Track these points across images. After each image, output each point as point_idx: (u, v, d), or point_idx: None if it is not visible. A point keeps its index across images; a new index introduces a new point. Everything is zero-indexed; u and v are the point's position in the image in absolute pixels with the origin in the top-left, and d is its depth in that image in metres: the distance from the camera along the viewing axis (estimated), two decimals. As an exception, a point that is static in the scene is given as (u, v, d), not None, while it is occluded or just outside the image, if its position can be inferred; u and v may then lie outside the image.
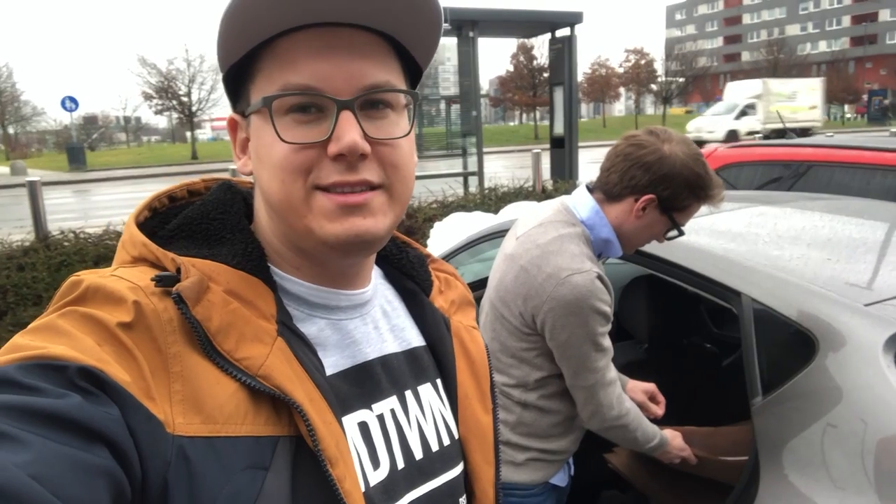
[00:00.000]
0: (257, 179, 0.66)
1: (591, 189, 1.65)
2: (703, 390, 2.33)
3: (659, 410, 1.85)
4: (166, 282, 0.58)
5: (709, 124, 29.15)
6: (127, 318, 0.54)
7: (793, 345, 1.39)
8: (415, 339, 0.77)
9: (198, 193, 0.73)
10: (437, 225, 6.05)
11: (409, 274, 0.81)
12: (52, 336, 0.52)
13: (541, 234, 1.59)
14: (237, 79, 0.66)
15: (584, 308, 1.48)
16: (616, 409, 1.57)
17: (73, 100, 28.21)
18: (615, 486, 2.32)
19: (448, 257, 2.84)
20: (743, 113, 29.09)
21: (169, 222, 0.68)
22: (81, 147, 32.53)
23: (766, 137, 28.06)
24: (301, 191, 0.61)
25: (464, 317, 0.84)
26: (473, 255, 2.92)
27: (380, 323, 0.74)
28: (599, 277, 1.52)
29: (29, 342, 0.51)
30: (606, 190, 1.60)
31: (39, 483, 0.42)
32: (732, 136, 26.64)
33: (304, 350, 0.63)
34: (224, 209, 0.68)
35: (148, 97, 36.52)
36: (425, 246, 5.89)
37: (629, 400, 1.63)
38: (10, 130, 53.18)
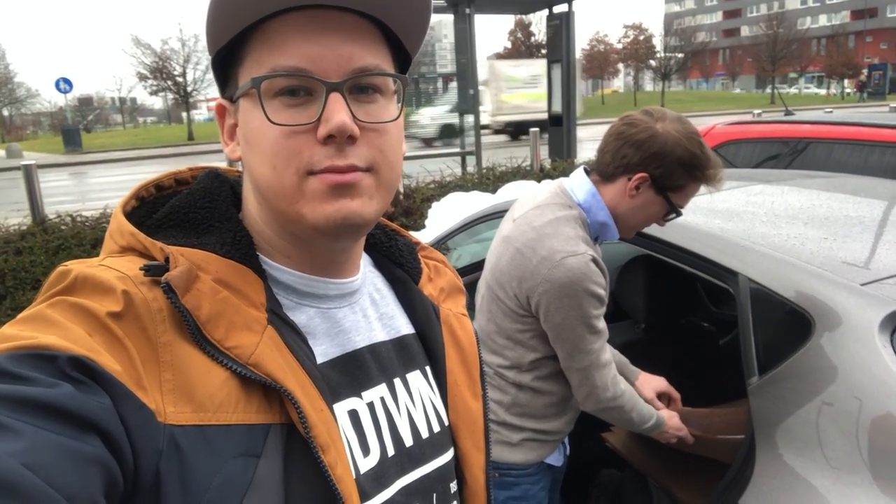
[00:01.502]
0: (246, 165, 0.66)
1: (588, 171, 1.65)
2: (701, 369, 2.34)
3: (667, 411, 1.79)
4: (155, 271, 0.57)
5: (422, 118, 23.15)
6: (116, 308, 0.54)
7: (789, 325, 1.40)
8: (404, 326, 0.77)
9: (185, 182, 0.73)
10: (434, 205, 6.04)
11: (397, 262, 0.81)
12: (43, 326, 0.52)
13: (537, 217, 1.59)
14: (226, 63, 0.66)
15: (578, 290, 1.49)
16: (611, 390, 1.58)
17: (67, 81, 27.99)
18: (613, 465, 2.34)
19: (446, 238, 2.84)
20: None
21: (156, 211, 0.68)
22: (77, 129, 32.37)
23: (499, 132, 22.84)
24: (294, 177, 0.61)
25: (453, 304, 0.84)
26: (471, 235, 2.91)
27: (368, 311, 0.74)
28: (594, 260, 1.52)
29: (19, 332, 0.51)
30: (601, 170, 1.59)
31: (32, 472, 0.42)
32: (450, 131, 19.12)
33: (294, 338, 0.63)
34: (211, 198, 0.67)
35: (143, 78, 36.23)
36: (423, 226, 5.88)
37: (624, 381, 1.64)
38: (5, 112, 52.84)
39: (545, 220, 1.57)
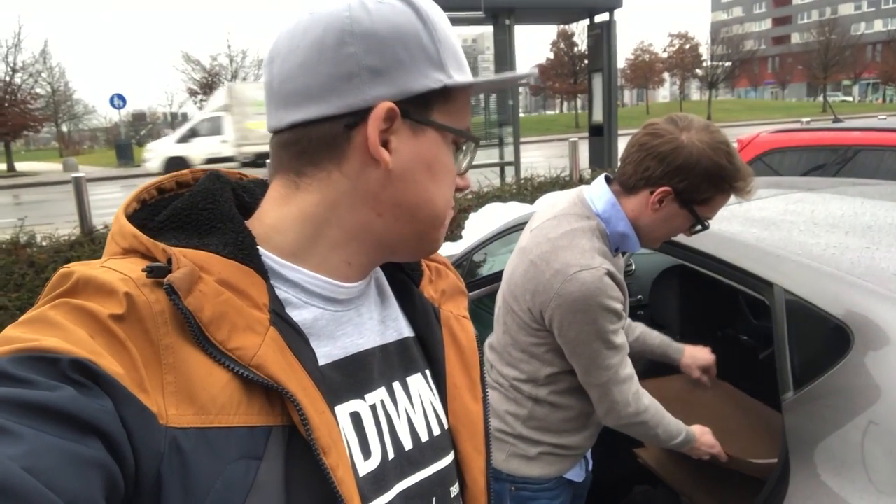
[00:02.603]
0: (406, 181, 0.67)
1: (610, 179, 1.60)
2: (737, 384, 2.26)
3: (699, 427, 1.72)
4: (157, 273, 0.57)
5: (153, 150, 22.48)
6: (119, 310, 0.54)
7: (827, 338, 1.33)
8: (405, 329, 0.77)
9: (186, 185, 0.73)
10: (472, 216, 6.04)
11: (398, 264, 0.81)
12: (45, 328, 0.51)
13: (553, 228, 1.54)
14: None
15: (592, 305, 1.44)
16: (633, 406, 1.53)
17: (121, 97, 29.06)
18: (646, 482, 2.27)
19: (480, 247, 2.82)
20: (193, 133, 21.71)
21: (158, 214, 0.68)
22: (129, 143, 33.49)
23: (247, 165, 20.56)
24: (445, 210, 0.70)
25: (454, 306, 0.84)
26: (505, 244, 2.90)
27: (374, 313, 0.74)
28: (609, 274, 1.46)
29: (21, 334, 0.51)
30: (623, 181, 1.53)
31: (33, 475, 0.42)
32: (178, 164, 19.26)
33: (296, 339, 0.62)
34: (213, 199, 0.67)
35: (193, 93, 37.35)
36: (460, 237, 5.86)
37: (648, 396, 1.58)
38: (64, 128, 54.95)
39: (561, 231, 1.52)
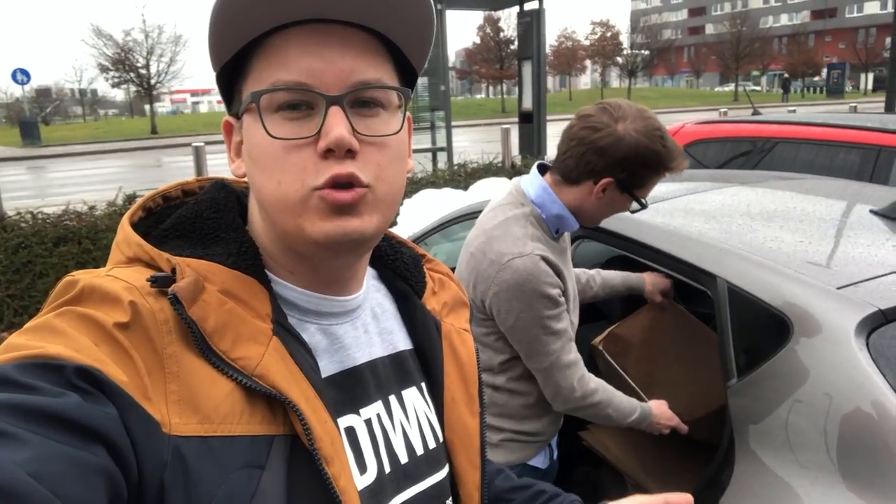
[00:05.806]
0: (251, 181, 0.66)
1: (547, 167, 1.66)
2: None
3: (655, 402, 1.76)
4: (162, 282, 0.58)
5: None
6: (123, 319, 0.54)
7: (767, 328, 1.42)
8: (402, 342, 0.77)
9: (192, 193, 0.73)
10: (406, 202, 6.02)
11: (402, 275, 0.80)
12: (50, 335, 0.52)
13: (489, 220, 1.61)
14: (231, 80, 0.66)
15: (527, 292, 1.49)
16: (579, 390, 1.57)
17: (24, 72, 27.22)
18: (589, 463, 2.35)
19: (421, 238, 2.83)
20: None
21: (163, 222, 0.67)
22: (35, 121, 31.44)
23: None
24: (298, 193, 0.60)
25: (456, 319, 0.84)
26: (446, 236, 2.91)
27: (370, 326, 0.74)
28: (544, 259, 1.51)
29: (26, 341, 0.51)
30: (565, 174, 1.58)
31: (39, 481, 0.42)
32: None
33: (299, 349, 0.63)
34: (218, 208, 0.67)
35: (104, 69, 35.34)
36: (395, 223, 5.82)
37: (595, 379, 1.63)
38: (-41, 104, 51.05)
39: (496, 222, 1.59)
